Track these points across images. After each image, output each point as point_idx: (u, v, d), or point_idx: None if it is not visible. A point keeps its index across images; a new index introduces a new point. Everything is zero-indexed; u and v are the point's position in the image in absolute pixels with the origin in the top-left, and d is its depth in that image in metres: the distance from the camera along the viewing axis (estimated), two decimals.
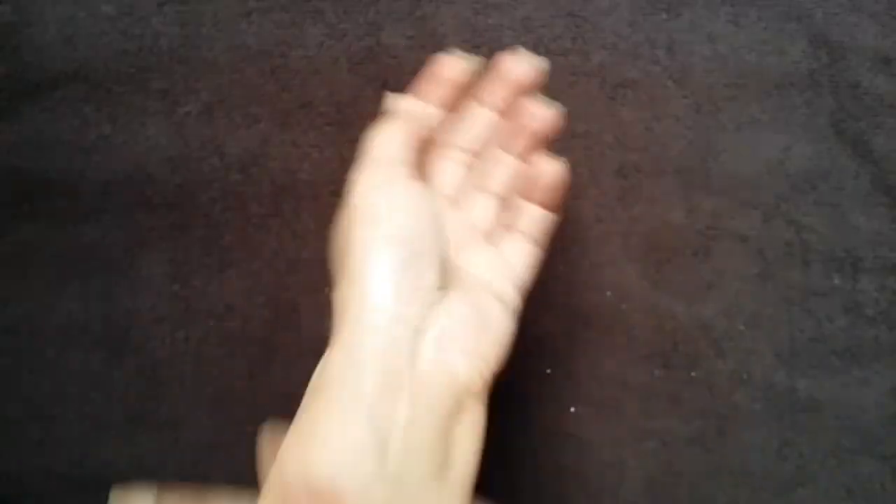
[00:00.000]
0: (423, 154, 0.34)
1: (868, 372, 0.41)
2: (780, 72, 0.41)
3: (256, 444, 0.39)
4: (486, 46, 0.41)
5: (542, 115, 0.34)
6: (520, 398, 0.41)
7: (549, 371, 0.42)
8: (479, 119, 0.35)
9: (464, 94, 0.35)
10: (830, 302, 0.41)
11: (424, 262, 0.30)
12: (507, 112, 0.35)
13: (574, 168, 0.42)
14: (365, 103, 0.42)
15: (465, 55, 0.34)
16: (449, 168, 0.34)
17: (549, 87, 0.42)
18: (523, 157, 0.35)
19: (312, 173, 0.42)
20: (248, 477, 0.43)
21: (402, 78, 0.42)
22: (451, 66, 0.34)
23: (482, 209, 0.34)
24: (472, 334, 0.30)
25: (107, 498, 0.43)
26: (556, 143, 0.42)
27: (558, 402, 0.42)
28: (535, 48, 0.41)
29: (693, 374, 0.41)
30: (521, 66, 0.34)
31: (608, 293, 0.42)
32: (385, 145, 0.32)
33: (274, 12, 0.42)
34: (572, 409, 0.42)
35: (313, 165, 0.42)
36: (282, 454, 0.29)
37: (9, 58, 0.42)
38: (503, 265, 0.34)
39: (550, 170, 0.35)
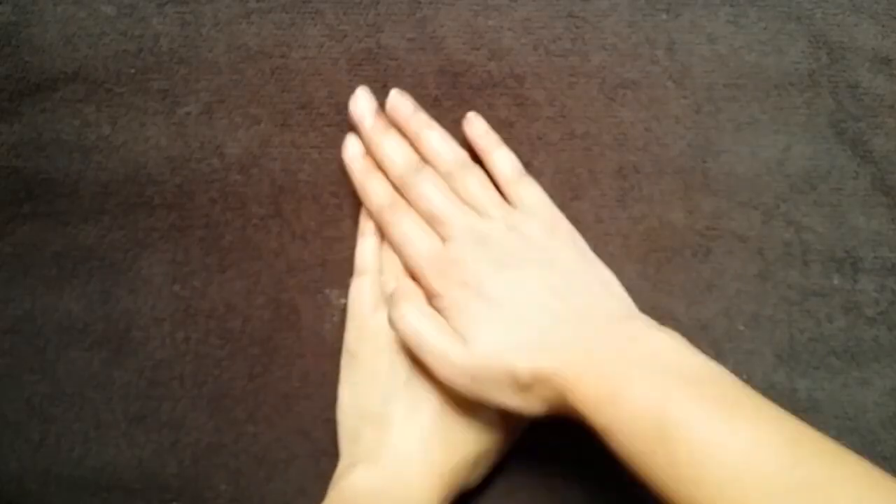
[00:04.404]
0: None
1: (868, 372, 0.41)
2: (780, 72, 0.41)
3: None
4: (485, 48, 0.41)
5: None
6: None
7: None
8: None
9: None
10: (830, 302, 0.41)
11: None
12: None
13: (573, 168, 0.42)
14: None
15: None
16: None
17: (549, 88, 0.42)
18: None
19: (312, 174, 0.42)
20: (248, 477, 0.43)
21: (402, 79, 0.42)
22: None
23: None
24: None
25: (107, 499, 0.43)
26: (555, 145, 0.42)
27: None
28: (535, 49, 0.41)
29: None
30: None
31: None
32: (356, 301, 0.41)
33: (274, 13, 0.42)
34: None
35: (313, 166, 0.42)
36: None
37: (9, 58, 0.42)
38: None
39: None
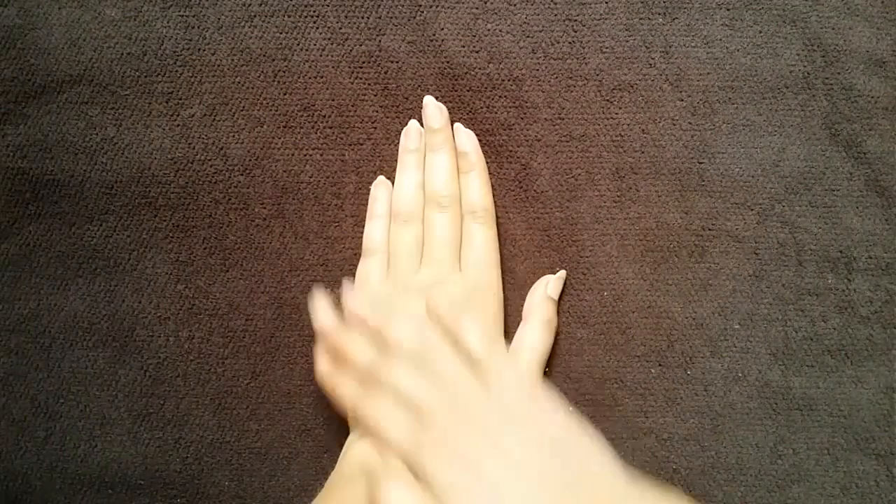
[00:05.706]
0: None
1: (862, 370, 0.41)
2: (775, 74, 0.41)
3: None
4: (485, 51, 0.42)
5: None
6: None
7: (546, 370, 0.42)
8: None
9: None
10: (824, 301, 0.41)
11: None
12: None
13: (571, 170, 0.42)
14: (365, 106, 0.42)
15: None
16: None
17: (548, 91, 0.42)
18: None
19: (314, 175, 0.43)
20: (251, 473, 0.43)
21: (402, 82, 0.42)
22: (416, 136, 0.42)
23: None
24: None
25: (111, 496, 0.43)
26: (553, 146, 0.42)
27: None
28: (534, 52, 0.41)
29: (689, 372, 0.41)
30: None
31: (605, 293, 0.42)
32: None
33: (276, 17, 0.42)
34: (570, 409, 0.42)
35: (315, 167, 0.43)
36: None
37: (15, 60, 0.42)
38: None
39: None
